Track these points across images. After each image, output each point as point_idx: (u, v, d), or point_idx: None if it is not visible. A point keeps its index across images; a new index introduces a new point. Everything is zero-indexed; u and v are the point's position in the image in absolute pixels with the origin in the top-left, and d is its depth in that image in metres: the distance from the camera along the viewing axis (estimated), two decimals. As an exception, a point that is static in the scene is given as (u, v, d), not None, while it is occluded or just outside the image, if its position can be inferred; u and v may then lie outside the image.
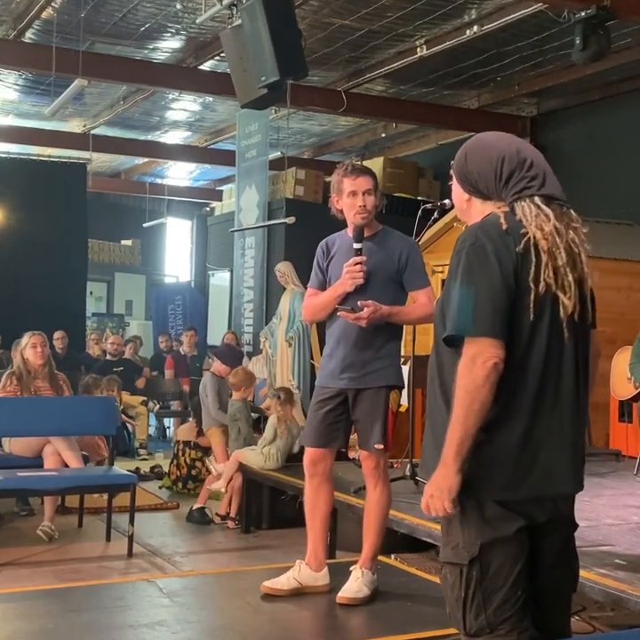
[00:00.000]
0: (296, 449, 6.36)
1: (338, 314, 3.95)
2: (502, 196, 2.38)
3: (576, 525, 2.49)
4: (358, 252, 3.95)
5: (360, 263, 3.91)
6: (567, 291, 2.30)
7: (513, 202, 2.35)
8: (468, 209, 2.48)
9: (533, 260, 2.27)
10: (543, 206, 2.32)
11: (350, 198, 4.00)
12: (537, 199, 2.33)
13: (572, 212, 2.39)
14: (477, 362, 2.20)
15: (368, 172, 4.06)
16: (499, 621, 2.28)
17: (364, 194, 3.99)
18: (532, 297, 2.26)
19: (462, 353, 2.23)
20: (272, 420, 6.49)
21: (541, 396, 2.29)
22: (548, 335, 2.29)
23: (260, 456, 6.30)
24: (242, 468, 6.41)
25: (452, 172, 2.50)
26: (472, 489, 2.25)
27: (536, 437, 2.28)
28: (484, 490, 2.27)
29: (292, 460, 6.17)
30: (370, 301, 3.84)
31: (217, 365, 7.47)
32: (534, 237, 2.28)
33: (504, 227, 2.29)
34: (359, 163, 4.28)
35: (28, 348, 6.51)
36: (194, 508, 6.71)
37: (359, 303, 3.84)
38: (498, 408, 2.24)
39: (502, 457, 2.27)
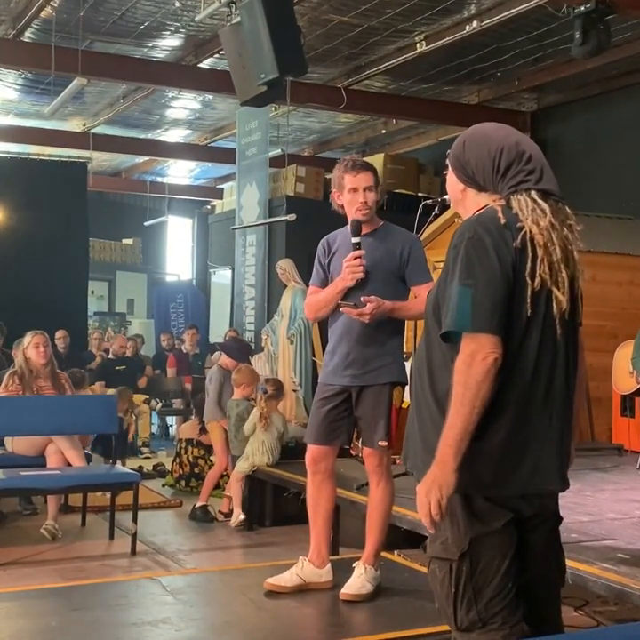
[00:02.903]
0: (286, 439, 6.41)
1: (340, 310, 3.94)
2: (498, 188, 2.36)
3: (561, 519, 2.49)
4: (357, 247, 3.93)
5: (359, 257, 3.91)
6: (561, 287, 2.28)
7: (509, 195, 2.33)
8: (462, 199, 2.45)
9: (530, 254, 2.25)
10: (540, 201, 2.30)
11: (351, 194, 3.99)
12: (534, 193, 2.31)
13: (568, 208, 2.37)
14: (477, 358, 2.18)
15: (369, 167, 4.04)
16: (490, 615, 2.27)
17: (364, 190, 3.98)
18: (529, 292, 2.24)
19: (460, 349, 2.21)
20: (254, 414, 6.51)
21: (532, 393, 2.28)
22: (541, 331, 2.28)
23: (246, 462, 6.40)
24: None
25: (448, 160, 2.47)
26: (460, 484, 2.22)
27: (525, 434, 2.27)
28: (472, 485, 2.25)
29: (294, 457, 6.17)
30: (373, 297, 3.82)
31: (224, 358, 7.48)
32: (530, 232, 2.26)
33: (502, 221, 2.27)
34: (360, 158, 4.24)
35: (31, 348, 6.51)
36: (196, 505, 6.72)
37: (362, 299, 3.83)
38: (488, 403, 2.21)
39: (491, 453, 2.25)
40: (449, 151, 2.47)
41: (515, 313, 2.25)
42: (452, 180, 2.48)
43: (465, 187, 2.43)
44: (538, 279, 2.25)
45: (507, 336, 2.23)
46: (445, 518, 2.26)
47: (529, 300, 2.25)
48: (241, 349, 7.86)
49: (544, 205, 2.30)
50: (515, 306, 2.25)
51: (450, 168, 2.47)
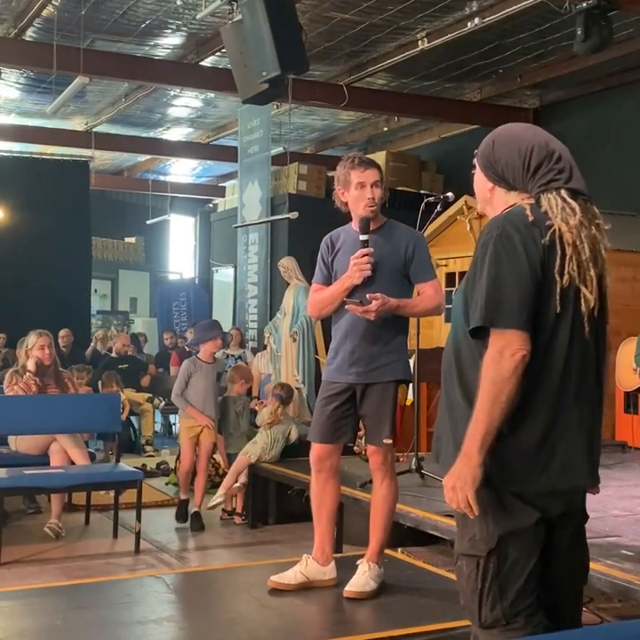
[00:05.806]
0: (293, 437, 6.44)
1: (346, 307, 3.92)
2: (528, 187, 2.37)
3: (587, 516, 2.49)
4: (365, 244, 3.92)
5: (367, 255, 3.90)
6: (589, 285, 2.29)
7: (539, 193, 2.34)
8: (490, 198, 2.46)
9: (559, 252, 2.27)
10: (569, 200, 2.31)
11: (358, 190, 3.97)
12: (563, 192, 2.32)
13: (595, 207, 2.38)
14: (505, 354, 2.19)
15: (374, 164, 4.04)
16: (513, 614, 2.29)
17: (372, 186, 3.97)
18: (557, 290, 2.26)
19: (489, 345, 2.23)
20: (265, 415, 6.55)
21: (563, 390, 2.29)
22: (571, 329, 2.29)
23: (254, 446, 6.41)
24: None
25: (475, 160, 2.47)
26: (490, 480, 2.24)
27: (556, 431, 2.28)
28: (501, 481, 2.26)
29: (297, 455, 6.17)
30: (378, 294, 3.80)
31: (203, 348, 6.94)
32: (559, 230, 2.28)
33: (530, 218, 2.28)
34: (364, 155, 4.24)
35: (36, 350, 6.48)
36: (180, 499, 6.70)
37: (368, 296, 3.82)
38: (519, 400, 2.23)
39: (522, 449, 2.26)
40: (476, 151, 2.47)
41: (543, 310, 2.27)
42: (480, 179, 2.47)
43: (493, 186, 2.44)
44: (566, 276, 2.26)
45: (535, 333, 2.24)
46: (478, 513, 2.26)
47: (558, 297, 2.26)
48: (205, 327, 7.19)
49: (574, 204, 2.31)
50: (543, 303, 2.26)
51: (477, 167, 2.47)
